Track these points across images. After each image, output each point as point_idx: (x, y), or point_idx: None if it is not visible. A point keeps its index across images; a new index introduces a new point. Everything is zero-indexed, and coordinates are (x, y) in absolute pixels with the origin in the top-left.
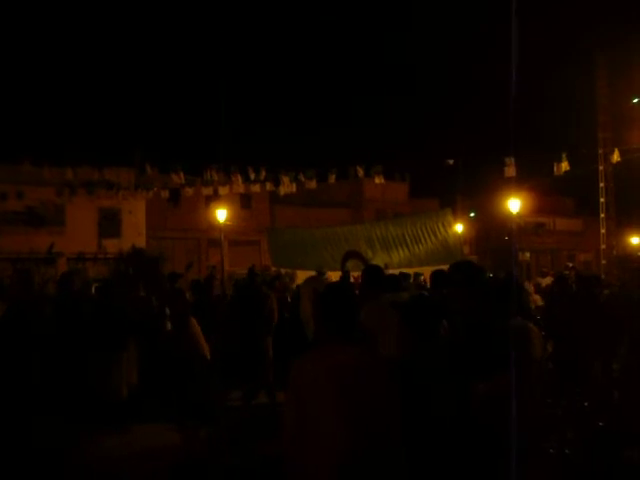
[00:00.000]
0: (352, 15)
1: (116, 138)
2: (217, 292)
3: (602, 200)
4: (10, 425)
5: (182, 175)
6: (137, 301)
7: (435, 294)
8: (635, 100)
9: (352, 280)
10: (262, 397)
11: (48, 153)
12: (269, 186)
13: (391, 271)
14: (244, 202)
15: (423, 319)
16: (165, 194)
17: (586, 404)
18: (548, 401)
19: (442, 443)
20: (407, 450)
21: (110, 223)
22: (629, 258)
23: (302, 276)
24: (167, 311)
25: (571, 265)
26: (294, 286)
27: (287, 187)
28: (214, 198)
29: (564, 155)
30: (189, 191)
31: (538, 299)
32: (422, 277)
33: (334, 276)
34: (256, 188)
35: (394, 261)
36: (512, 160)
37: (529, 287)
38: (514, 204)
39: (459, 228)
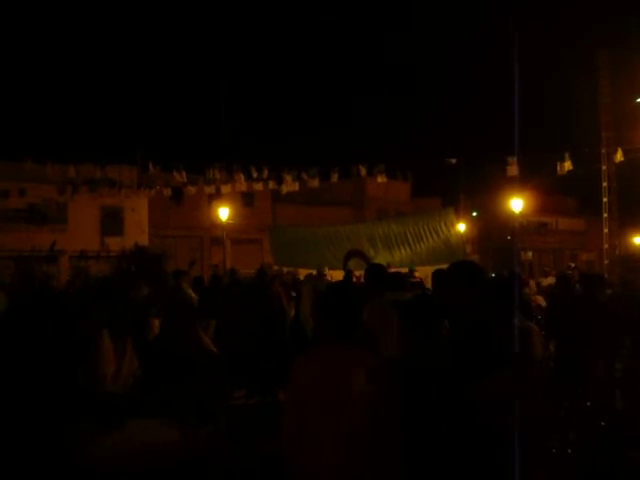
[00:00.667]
0: (353, 15)
1: (119, 136)
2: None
3: (605, 200)
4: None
5: (184, 173)
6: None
7: (437, 293)
8: (638, 99)
9: (354, 279)
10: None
11: (50, 151)
12: (271, 184)
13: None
14: (246, 200)
15: (424, 319)
16: (168, 192)
17: (588, 404)
18: (550, 401)
19: (443, 443)
20: (407, 450)
21: (112, 221)
22: (632, 258)
23: (304, 275)
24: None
25: (573, 265)
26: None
27: (289, 186)
28: (216, 196)
29: (567, 154)
30: (192, 189)
31: (540, 299)
32: (417, 274)
33: (336, 275)
34: (258, 186)
35: (396, 260)
36: (515, 159)
37: (533, 286)
38: (517, 203)
39: (461, 227)
